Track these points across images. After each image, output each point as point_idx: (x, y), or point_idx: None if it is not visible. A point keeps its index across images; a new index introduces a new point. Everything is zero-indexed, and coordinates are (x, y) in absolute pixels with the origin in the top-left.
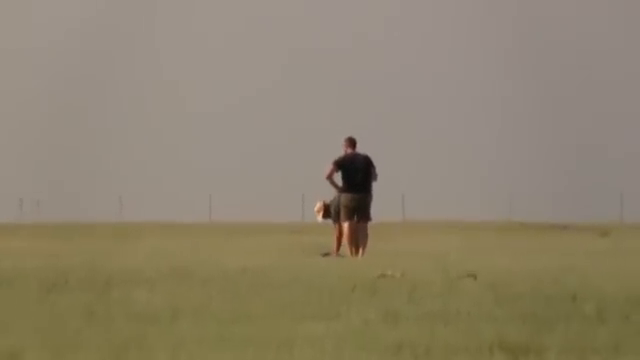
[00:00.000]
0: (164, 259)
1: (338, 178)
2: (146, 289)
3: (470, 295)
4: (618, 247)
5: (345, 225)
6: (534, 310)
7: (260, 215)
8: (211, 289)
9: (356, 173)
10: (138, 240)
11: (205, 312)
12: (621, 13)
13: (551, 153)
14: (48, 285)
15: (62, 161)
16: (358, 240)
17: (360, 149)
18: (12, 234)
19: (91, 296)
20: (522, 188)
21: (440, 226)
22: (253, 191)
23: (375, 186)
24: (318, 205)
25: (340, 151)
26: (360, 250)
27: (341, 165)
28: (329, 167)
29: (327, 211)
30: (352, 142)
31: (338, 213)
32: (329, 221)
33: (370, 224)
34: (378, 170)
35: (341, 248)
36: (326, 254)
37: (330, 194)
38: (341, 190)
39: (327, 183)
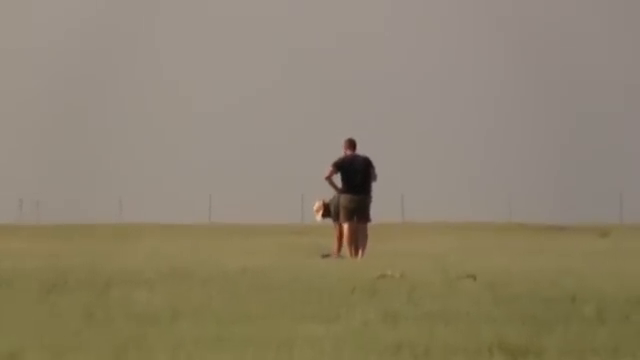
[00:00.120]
0: (164, 260)
1: (338, 179)
2: (146, 290)
3: (469, 296)
4: (618, 248)
5: (345, 226)
6: (533, 311)
7: (260, 216)
8: (211, 290)
9: (355, 174)
10: (138, 241)
11: (205, 313)
12: (621, 13)
13: (550, 154)
14: (48, 286)
15: (62, 162)
16: (358, 241)
17: (360, 150)
18: (12, 235)
19: (91, 297)
20: (521, 189)
21: (439, 227)
22: (253, 192)
23: (374, 187)
24: (317, 204)
25: (340, 152)
26: (360, 251)
27: (340, 166)
28: (329, 168)
29: (327, 210)
30: (352, 144)
31: (338, 213)
32: (328, 221)
33: (370, 225)
34: (377, 171)
35: (341, 249)
36: (326, 255)
37: (329, 195)
38: (340, 191)
39: (327, 184)
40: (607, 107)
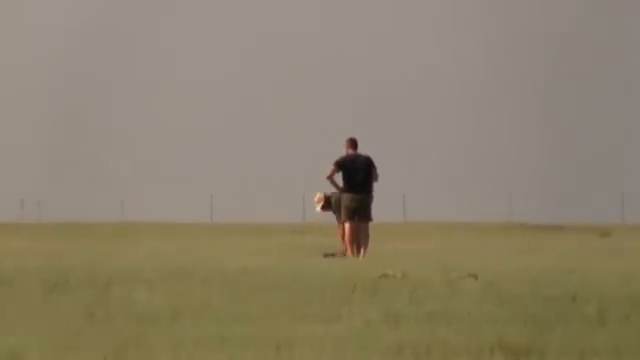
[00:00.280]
0: (165, 259)
1: (339, 179)
2: (146, 289)
3: (471, 296)
4: (619, 247)
5: (346, 225)
6: (535, 311)
7: (261, 216)
8: (211, 289)
9: (357, 174)
10: (139, 240)
11: (205, 312)
12: (621, 12)
13: (551, 153)
14: (49, 285)
15: (63, 161)
16: (359, 240)
17: (361, 150)
18: (13, 234)
19: (92, 296)
20: (522, 189)
21: (441, 227)
22: (254, 192)
23: (376, 187)
24: (318, 196)
25: (341, 152)
26: (361, 250)
27: (342, 166)
28: (330, 167)
29: (327, 202)
30: (353, 143)
31: (339, 208)
32: (330, 220)
33: (371, 225)
34: (379, 171)
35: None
36: (328, 255)
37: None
38: (342, 190)
39: (328, 183)
40: (608, 107)
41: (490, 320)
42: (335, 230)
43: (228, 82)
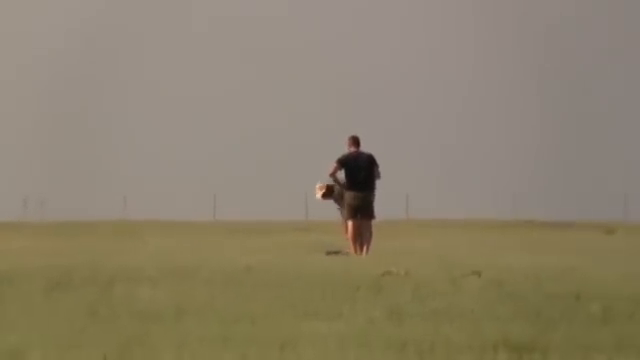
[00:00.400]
0: (167, 257)
1: (342, 177)
2: (150, 287)
3: (474, 293)
4: (623, 245)
5: (349, 223)
6: (538, 308)
7: (264, 213)
8: (214, 287)
9: (359, 171)
10: (142, 239)
11: (209, 311)
12: (622, 12)
13: (556, 151)
14: (52, 283)
15: (66, 160)
16: (362, 238)
17: (364, 148)
18: (16, 232)
19: (95, 294)
20: (526, 186)
21: (444, 224)
22: (257, 189)
23: (379, 184)
24: (320, 184)
25: (344, 150)
26: (364, 248)
27: (345, 163)
28: (333, 165)
29: (329, 191)
30: (356, 141)
31: (342, 197)
32: (330, 216)
33: (374, 222)
34: (382, 168)
35: (345, 247)
36: (334, 252)
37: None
38: (345, 188)
39: (331, 181)
40: (613, 105)
41: (493, 317)
42: (339, 227)
43: (230, 80)
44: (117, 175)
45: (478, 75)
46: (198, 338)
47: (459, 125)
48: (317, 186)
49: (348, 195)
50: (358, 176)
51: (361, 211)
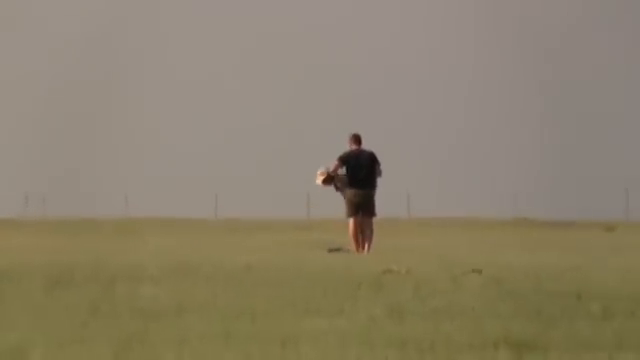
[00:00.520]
0: (169, 255)
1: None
2: (151, 285)
3: (475, 291)
4: (623, 243)
5: (350, 221)
6: (539, 306)
7: (265, 212)
8: (216, 285)
9: (360, 169)
10: (143, 236)
11: (210, 308)
12: (622, 11)
13: (556, 149)
14: (53, 281)
15: (68, 157)
16: (364, 235)
17: (365, 146)
18: (17, 230)
19: (96, 292)
20: (527, 184)
21: (445, 222)
22: (258, 187)
23: (381, 182)
24: (322, 170)
25: (345, 147)
26: (365, 246)
27: (346, 161)
28: (334, 163)
29: (329, 178)
30: (357, 139)
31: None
32: (332, 215)
33: (375, 220)
34: (383, 167)
35: (346, 244)
36: (336, 249)
37: (333, 192)
38: (346, 185)
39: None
40: (612, 103)
41: (494, 315)
42: (340, 226)
43: (232, 79)
44: (118, 173)
45: (478, 75)
46: (199, 335)
47: (460, 124)
48: (318, 172)
49: (349, 192)
50: (359, 174)
51: (362, 208)
